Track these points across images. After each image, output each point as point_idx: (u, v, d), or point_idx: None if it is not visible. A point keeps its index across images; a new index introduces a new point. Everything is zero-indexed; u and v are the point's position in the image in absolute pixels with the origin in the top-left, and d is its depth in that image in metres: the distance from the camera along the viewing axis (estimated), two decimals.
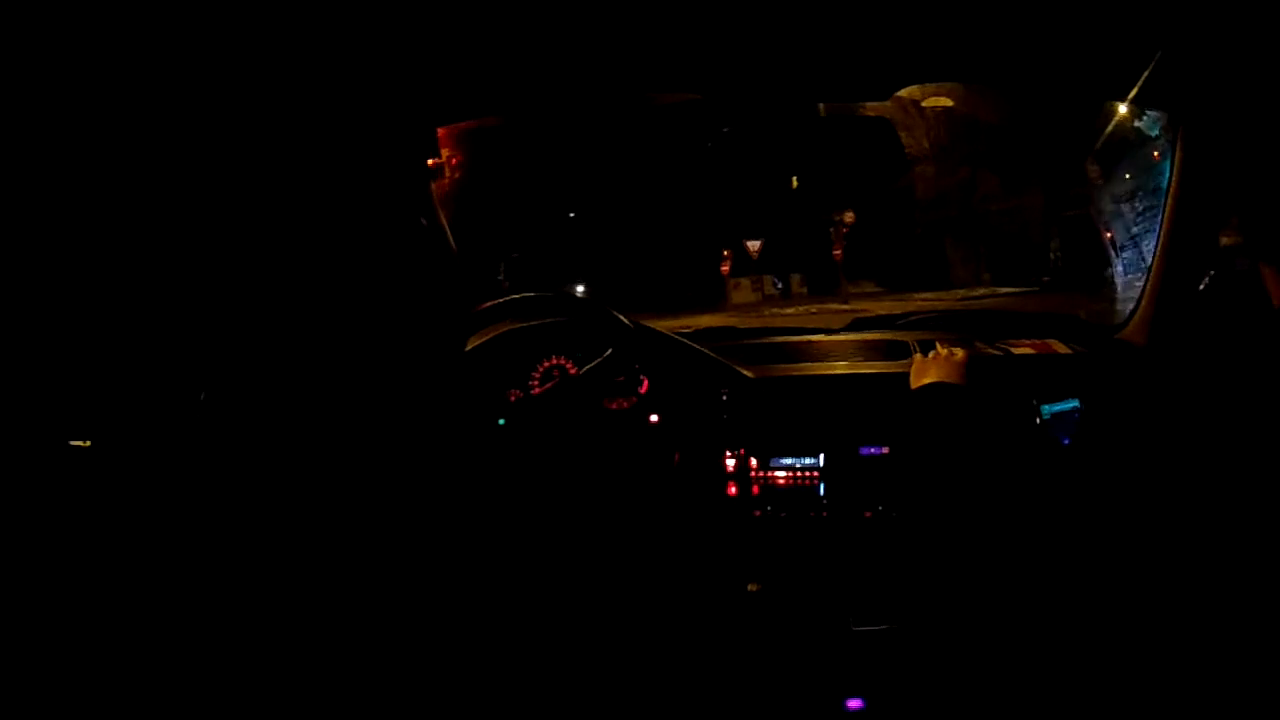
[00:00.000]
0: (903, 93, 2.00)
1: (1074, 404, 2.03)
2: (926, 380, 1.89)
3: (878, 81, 1.89)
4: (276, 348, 1.33)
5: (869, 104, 3.00)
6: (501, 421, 2.19)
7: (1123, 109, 2.33)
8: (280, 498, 1.32)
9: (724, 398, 2.15)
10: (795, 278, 25.73)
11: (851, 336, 2.47)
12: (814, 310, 18.08)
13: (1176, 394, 1.96)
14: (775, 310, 19.55)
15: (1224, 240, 1.99)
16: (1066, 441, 2.00)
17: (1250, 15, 1.52)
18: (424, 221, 1.44)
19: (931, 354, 2.01)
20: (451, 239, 1.50)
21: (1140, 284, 2.29)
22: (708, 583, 2.09)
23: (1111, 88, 2.04)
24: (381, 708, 1.41)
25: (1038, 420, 2.02)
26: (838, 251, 22.57)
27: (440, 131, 2.17)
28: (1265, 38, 1.57)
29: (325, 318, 1.35)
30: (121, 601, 1.18)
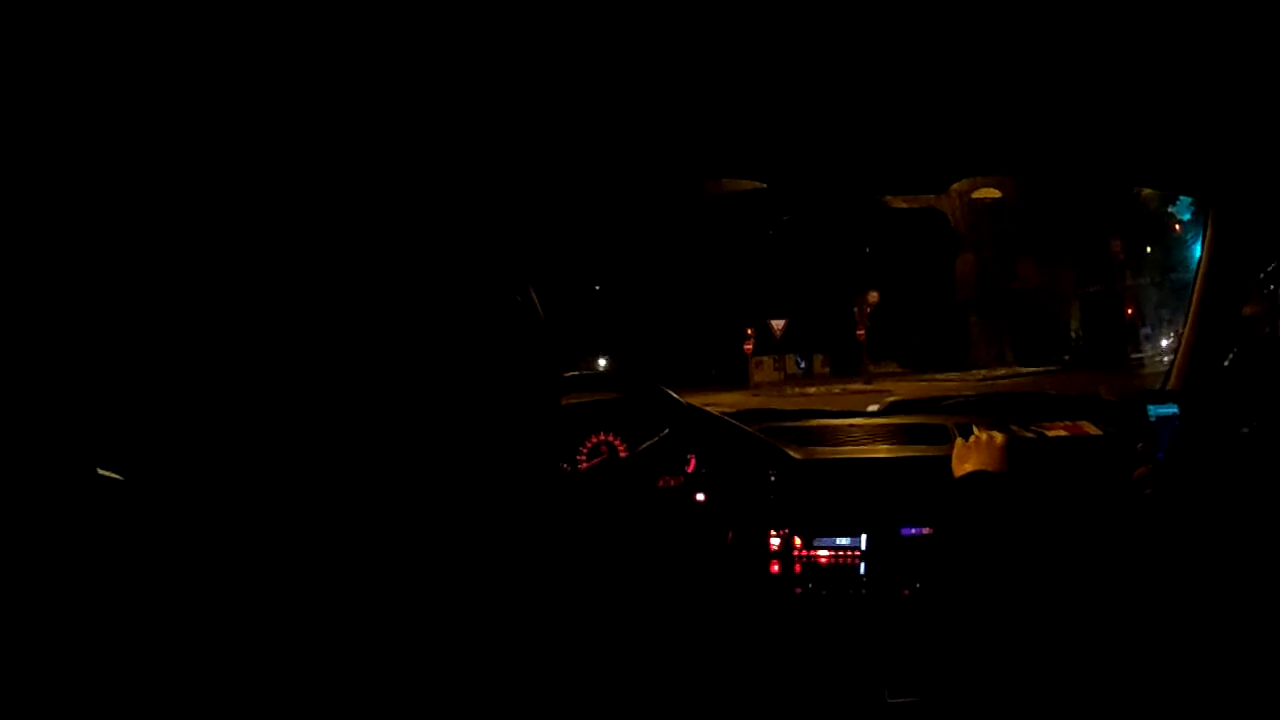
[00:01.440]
0: (955, 186, 2.07)
1: (1175, 409, 2.02)
2: (969, 468, 1.92)
3: (935, 175, 1.95)
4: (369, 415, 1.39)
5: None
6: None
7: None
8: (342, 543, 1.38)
9: (771, 478, 2.18)
10: (818, 357, 25.79)
11: (890, 420, 2.48)
12: (837, 391, 18.07)
13: (1210, 469, 1.97)
14: (798, 390, 19.57)
15: (1246, 310, 2.03)
16: (1160, 454, 1.99)
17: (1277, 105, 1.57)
18: (519, 298, 1.51)
19: (972, 439, 2.03)
20: (540, 308, 1.57)
21: (1163, 359, 2.31)
22: (749, 655, 2.12)
23: (1147, 175, 2.09)
24: None
25: (1148, 420, 2.00)
26: (861, 332, 22.61)
27: None
28: None
29: (423, 383, 1.42)
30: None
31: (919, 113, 1.62)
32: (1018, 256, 22.10)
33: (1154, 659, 1.88)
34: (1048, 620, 1.87)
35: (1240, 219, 2.05)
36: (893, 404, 2.79)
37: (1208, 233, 2.13)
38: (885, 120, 1.65)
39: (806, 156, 1.84)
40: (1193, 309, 2.19)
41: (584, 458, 2.33)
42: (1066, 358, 20.39)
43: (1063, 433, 2.27)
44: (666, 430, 2.17)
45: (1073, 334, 21.57)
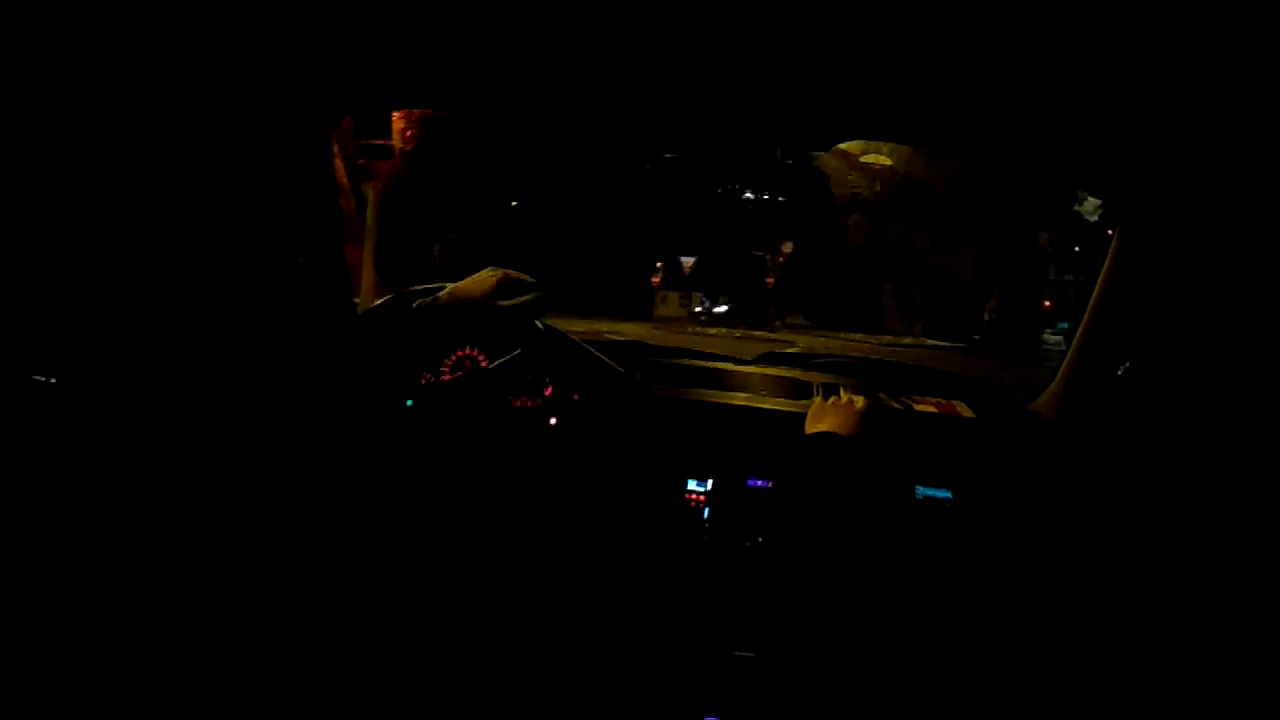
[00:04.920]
0: (843, 145, 2.04)
1: (947, 494, 2.04)
2: (820, 427, 1.92)
3: (819, 133, 1.91)
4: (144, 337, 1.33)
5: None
6: (410, 403, 2.20)
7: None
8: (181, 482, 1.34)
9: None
10: (723, 299, 25.94)
11: (759, 370, 2.48)
12: (737, 335, 18.18)
13: (1072, 475, 1.97)
14: (699, 330, 19.64)
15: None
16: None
17: (1200, 126, 1.54)
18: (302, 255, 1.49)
19: (832, 399, 2.03)
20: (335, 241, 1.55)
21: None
22: (585, 584, 2.11)
23: (1054, 168, 2.04)
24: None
25: (914, 499, 2.02)
26: (770, 280, 22.72)
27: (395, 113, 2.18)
28: (1212, 154, 1.59)
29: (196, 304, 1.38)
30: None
31: (802, 67, 1.58)
32: (914, 230, 22.30)
33: (970, 627, 1.93)
34: (880, 584, 1.89)
35: (1149, 236, 1.97)
36: (767, 354, 2.78)
37: (1113, 242, 2.07)
38: (764, 68, 1.61)
39: (684, 102, 1.79)
40: (1087, 316, 2.16)
41: (447, 369, 2.30)
42: (976, 337, 20.77)
43: (931, 409, 2.26)
44: (518, 350, 2.15)
45: (986, 316, 21.90)
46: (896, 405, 2.24)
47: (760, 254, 22.69)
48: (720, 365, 2.53)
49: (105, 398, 1.26)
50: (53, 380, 1.21)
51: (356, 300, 2.27)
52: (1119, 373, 1.99)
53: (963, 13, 1.27)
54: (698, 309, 23.60)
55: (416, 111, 2.20)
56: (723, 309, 23.71)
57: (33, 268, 1.20)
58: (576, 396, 2.23)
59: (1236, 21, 1.18)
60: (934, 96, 1.67)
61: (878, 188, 21.03)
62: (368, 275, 2.41)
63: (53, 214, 1.19)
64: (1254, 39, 1.21)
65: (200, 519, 1.37)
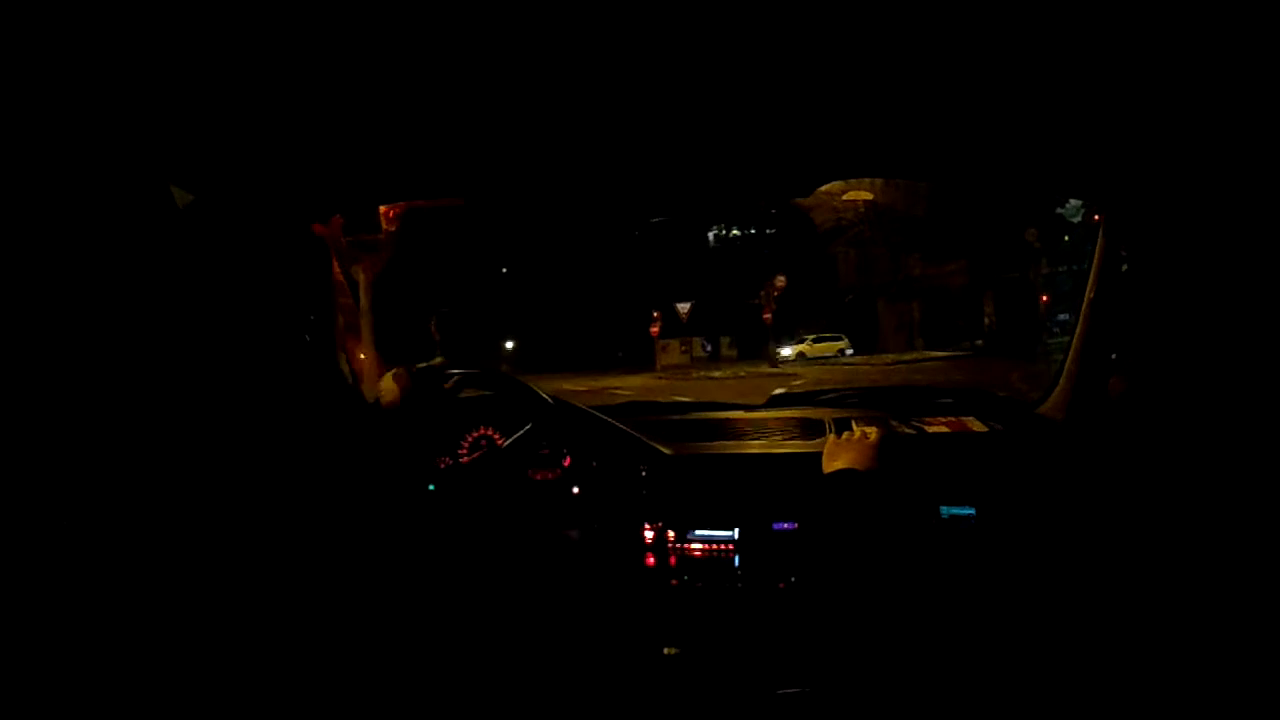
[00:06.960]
0: (825, 187, 2.05)
1: (970, 511, 2.05)
2: (838, 465, 1.92)
3: (800, 180, 1.93)
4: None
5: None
6: (431, 487, 2.21)
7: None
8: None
9: (642, 473, 2.18)
10: (724, 340, 25.92)
11: (769, 414, 2.47)
12: (742, 374, 18.15)
13: (1090, 475, 1.97)
14: (704, 373, 19.63)
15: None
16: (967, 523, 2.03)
17: (1172, 119, 1.54)
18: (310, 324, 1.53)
19: (845, 435, 2.03)
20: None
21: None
22: (626, 645, 2.11)
23: (1034, 178, 2.04)
24: None
25: (939, 518, 2.02)
26: (768, 315, 22.72)
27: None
28: (1185, 143, 1.60)
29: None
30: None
31: (773, 122, 1.60)
32: (902, 252, 22.43)
33: (1019, 650, 1.93)
34: (917, 607, 1.90)
35: (1131, 230, 1.97)
36: (774, 398, 2.79)
37: (1099, 238, 2.07)
38: (739, 130, 1.63)
39: (665, 165, 1.81)
40: (1083, 313, 2.13)
41: (465, 451, 2.32)
42: (979, 343, 20.76)
43: (944, 429, 2.27)
44: (530, 425, 2.17)
45: (986, 321, 21.89)
46: (909, 430, 2.23)
47: (754, 301, 22.75)
48: (732, 415, 2.53)
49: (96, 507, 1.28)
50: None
51: (360, 386, 2.30)
52: (1121, 366, 1.99)
53: (928, 38, 1.29)
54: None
55: (403, 203, 2.23)
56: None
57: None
58: (595, 464, 2.25)
59: (1209, 23, 1.21)
60: (909, 130, 1.69)
61: (862, 209, 21.16)
62: (368, 356, 2.44)
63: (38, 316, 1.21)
64: (1228, 38, 1.23)
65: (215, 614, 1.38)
